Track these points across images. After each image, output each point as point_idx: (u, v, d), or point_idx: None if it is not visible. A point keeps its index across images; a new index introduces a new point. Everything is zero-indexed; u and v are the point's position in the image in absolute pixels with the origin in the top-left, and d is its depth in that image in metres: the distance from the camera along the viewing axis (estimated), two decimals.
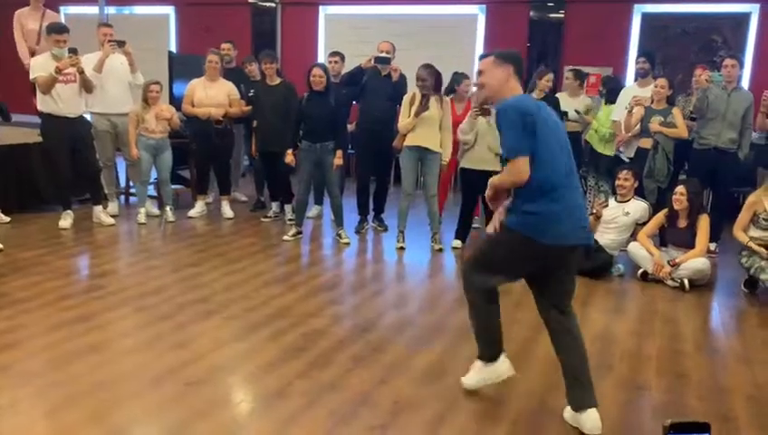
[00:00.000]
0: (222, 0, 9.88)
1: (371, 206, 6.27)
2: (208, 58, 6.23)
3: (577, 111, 6.15)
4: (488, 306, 3.00)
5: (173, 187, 6.58)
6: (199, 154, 6.45)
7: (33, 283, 4.32)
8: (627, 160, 5.83)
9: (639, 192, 5.42)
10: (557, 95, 6.28)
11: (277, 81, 6.10)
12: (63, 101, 5.53)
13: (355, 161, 6.48)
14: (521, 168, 2.65)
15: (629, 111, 5.73)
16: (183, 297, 4.19)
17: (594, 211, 5.28)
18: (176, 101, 6.93)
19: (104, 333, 3.60)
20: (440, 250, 5.59)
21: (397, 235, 5.69)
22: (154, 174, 6.34)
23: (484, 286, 2.94)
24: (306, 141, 5.58)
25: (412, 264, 5.35)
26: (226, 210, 6.47)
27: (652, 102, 5.71)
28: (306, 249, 5.63)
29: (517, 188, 2.73)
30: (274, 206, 6.52)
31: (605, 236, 5.20)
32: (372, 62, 5.86)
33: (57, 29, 5.55)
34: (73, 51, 5.43)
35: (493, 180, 2.86)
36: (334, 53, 6.49)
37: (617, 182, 5.33)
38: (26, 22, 6.75)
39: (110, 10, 7.80)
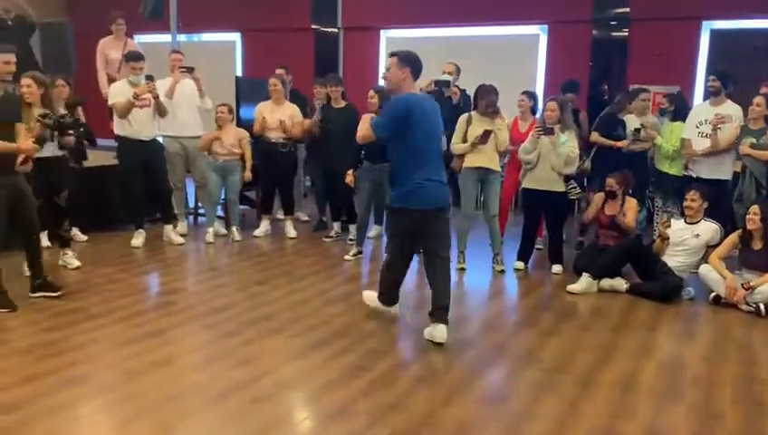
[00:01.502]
0: (285, 26, 10.17)
1: None
2: (270, 81, 6.41)
3: (643, 125, 6.00)
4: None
5: (240, 207, 6.76)
6: (265, 175, 6.62)
7: (108, 299, 4.50)
8: (696, 179, 5.64)
9: (727, 215, 5.21)
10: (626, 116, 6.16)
11: (342, 103, 6.22)
12: (138, 125, 5.80)
13: None
14: (370, 136, 3.89)
15: (714, 129, 5.53)
16: (249, 315, 4.29)
17: (659, 232, 5.14)
18: (242, 124, 7.16)
19: (174, 349, 3.71)
20: (502, 272, 5.54)
21: (457, 255, 5.66)
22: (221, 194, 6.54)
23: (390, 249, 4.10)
24: (367, 162, 5.66)
25: (473, 285, 5.32)
26: (290, 230, 6.60)
27: (747, 122, 5.51)
28: (366, 269, 5.68)
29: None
30: (336, 226, 6.61)
31: (674, 259, 5.04)
32: (433, 85, 5.90)
33: (134, 57, 5.85)
34: (150, 78, 5.71)
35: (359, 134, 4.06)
36: None
37: (685, 203, 5.17)
38: (109, 51, 7.11)
39: (181, 37, 8.14)
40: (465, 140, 5.41)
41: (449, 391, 3.27)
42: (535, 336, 4.10)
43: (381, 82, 8.85)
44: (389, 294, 4.23)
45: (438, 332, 3.82)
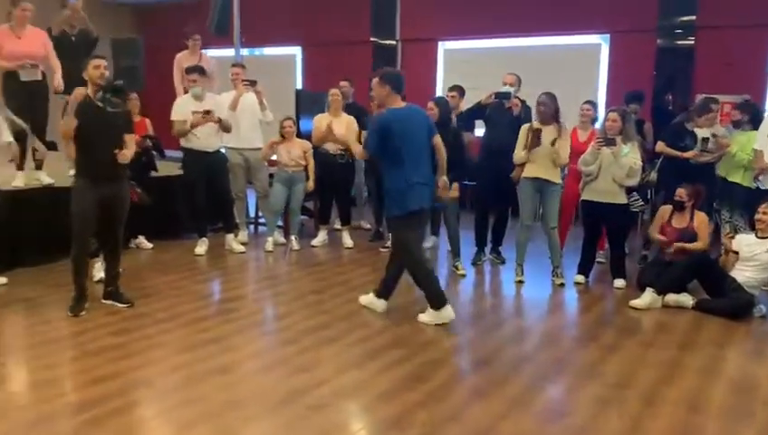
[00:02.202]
0: (344, 40, 10.32)
1: (489, 237, 6.22)
2: (332, 92, 6.51)
3: (713, 135, 5.79)
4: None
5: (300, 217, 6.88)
6: (323, 186, 6.71)
7: (172, 305, 4.64)
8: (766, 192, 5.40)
9: None
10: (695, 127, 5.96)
11: None
12: (203, 137, 5.98)
13: (475, 192, 6.47)
14: (364, 153, 4.44)
15: None
16: (306, 323, 4.35)
17: (725, 246, 4.94)
18: (302, 136, 7.29)
19: (234, 355, 3.79)
20: (562, 285, 5.43)
21: (515, 268, 5.60)
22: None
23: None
24: None
25: (531, 298, 5.24)
26: (347, 240, 6.66)
27: None
28: None
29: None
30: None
31: (744, 274, 4.84)
32: (493, 97, 5.86)
33: (189, 69, 6.11)
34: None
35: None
36: (453, 88, 6.56)
37: (756, 216, 4.96)
38: (185, 65, 7.34)
39: (244, 51, 8.37)
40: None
41: (507, 405, 3.22)
42: (596, 352, 4.00)
43: (439, 94, 8.93)
44: (390, 287, 4.60)
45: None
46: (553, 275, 5.52)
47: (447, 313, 4.32)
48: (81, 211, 4.27)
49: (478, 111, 6.02)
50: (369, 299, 4.68)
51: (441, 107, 5.54)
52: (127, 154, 4.32)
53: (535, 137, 5.24)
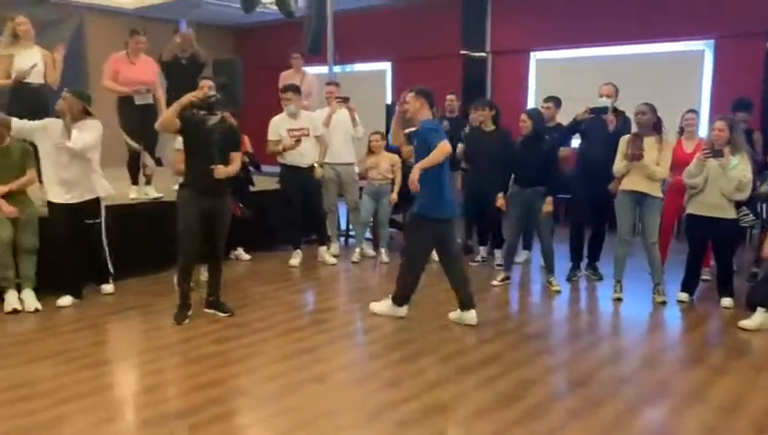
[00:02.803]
0: (434, 53, 10.35)
1: (585, 252, 6.03)
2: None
3: None
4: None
5: (389, 229, 6.94)
6: (412, 199, 6.72)
7: (268, 314, 4.79)
8: None
9: None
10: None
11: (492, 127, 6.21)
12: (300, 154, 6.15)
13: (570, 206, 6.29)
14: (447, 148, 4.40)
15: None
16: (396, 337, 4.37)
17: None
18: (390, 150, 7.35)
19: (327, 366, 3.86)
20: (663, 303, 5.18)
21: (613, 284, 5.39)
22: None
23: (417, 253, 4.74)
24: (516, 186, 5.58)
25: (631, 316, 5.02)
26: (436, 254, 6.64)
27: None
28: (515, 295, 5.57)
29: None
30: (482, 250, 6.55)
31: None
32: (588, 113, 5.66)
33: (283, 88, 6.33)
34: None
35: (423, 163, 4.38)
36: (548, 99, 6.43)
37: None
38: (288, 82, 7.60)
39: (336, 69, 8.57)
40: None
41: (605, 428, 3.10)
42: (702, 374, 3.78)
43: (531, 105, 8.80)
44: (408, 294, 4.73)
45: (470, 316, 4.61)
46: (654, 293, 5.27)
47: (402, 311, 4.71)
48: (186, 222, 4.50)
49: (575, 128, 5.85)
50: (457, 315, 4.67)
51: (534, 119, 5.45)
52: (223, 170, 4.49)
53: (637, 148, 5.04)
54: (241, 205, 5.58)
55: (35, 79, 5.37)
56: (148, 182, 6.16)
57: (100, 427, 3.07)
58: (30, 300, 4.74)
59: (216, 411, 3.23)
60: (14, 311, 4.66)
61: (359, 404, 3.34)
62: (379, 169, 6.48)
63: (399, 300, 4.72)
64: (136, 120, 5.80)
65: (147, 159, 6.08)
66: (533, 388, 3.55)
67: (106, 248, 5.20)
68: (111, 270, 5.28)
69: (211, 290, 4.80)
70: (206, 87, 4.56)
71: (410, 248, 4.83)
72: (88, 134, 4.57)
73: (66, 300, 4.87)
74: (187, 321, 4.56)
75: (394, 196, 6.51)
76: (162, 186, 6.16)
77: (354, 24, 10.27)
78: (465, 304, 4.64)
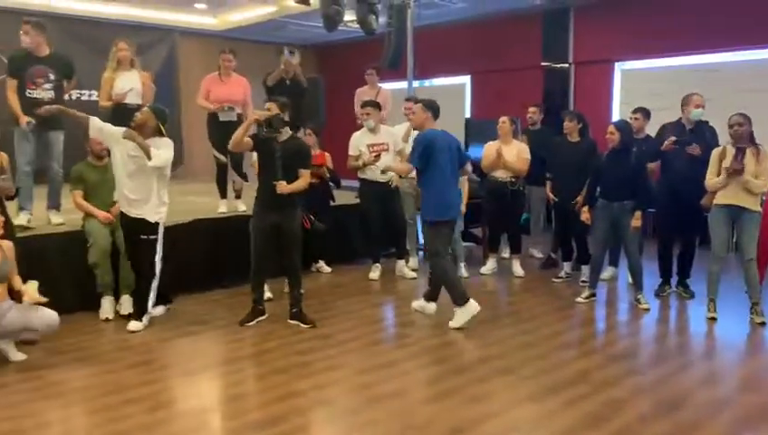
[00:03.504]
0: (513, 66, 10.24)
1: (674, 269, 5.77)
2: (500, 120, 6.48)
3: None
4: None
5: (465, 244, 6.89)
6: (491, 213, 6.66)
7: (350, 327, 4.85)
8: None
9: None
10: None
11: (577, 138, 6.07)
12: (379, 168, 6.20)
13: (658, 219, 6.03)
14: (411, 170, 5.05)
15: None
16: (477, 353, 4.32)
17: None
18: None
19: (408, 380, 3.87)
20: (762, 324, 4.88)
21: (706, 303, 5.13)
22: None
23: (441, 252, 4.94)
24: (602, 200, 5.41)
25: (726, 337, 4.76)
26: (517, 269, 6.53)
27: None
28: (601, 313, 5.39)
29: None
30: (566, 266, 6.39)
31: None
32: (673, 144, 5.40)
33: (363, 104, 6.42)
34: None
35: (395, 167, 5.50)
36: (637, 110, 6.21)
37: None
38: (364, 98, 7.69)
39: (415, 84, 8.62)
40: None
41: None
42: None
43: (616, 117, 8.54)
44: (462, 292, 4.86)
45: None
46: (752, 313, 4.98)
47: (472, 307, 4.80)
48: (255, 233, 4.79)
49: (658, 154, 5.61)
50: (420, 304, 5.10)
51: (623, 131, 5.30)
52: (285, 186, 4.63)
53: (739, 163, 4.79)
54: (311, 217, 5.64)
55: (133, 100, 5.68)
56: (237, 196, 6.38)
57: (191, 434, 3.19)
58: (127, 305, 4.97)
59: (299, 422, 3.29)
60: (107, 320, 4.90)
61: (439, 419, 3.32)
62: None
63: (459, 301, 4.81)
64: (221, 136, 6.03)
65: (234, 174, 6.32)
66: (623, 409, 3.43)
67: (157, 273, 4.70)
68: (151, 301, 4.74)
69: (293, 302, 4.91)
70: (271, 107, 4.73)
71: (432, 250, 5.02)
72: (164, 151, 4.65)
73: (135, 325, 4.71)
74: (252, 323, 4.79)
75: (462, 208, 6.45)
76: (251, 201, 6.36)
77: (433, 39, 10.30)
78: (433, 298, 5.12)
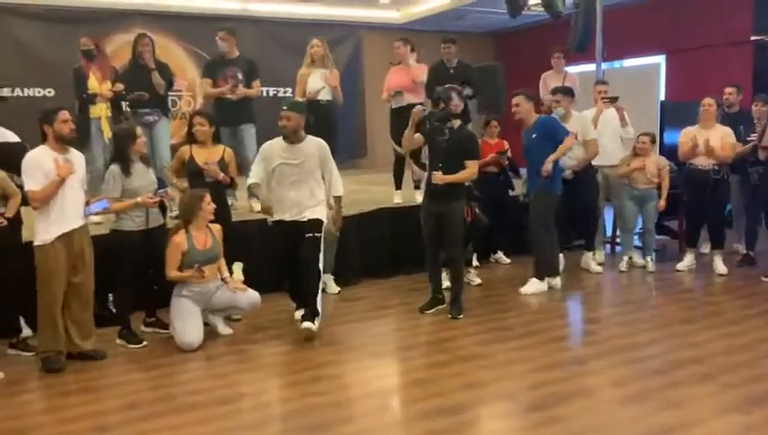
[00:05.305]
0: (716, 42, 9.27)
1: None
2: (704, 102, 5.91)
3: None
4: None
5: (658, 237, 6.41)
6: (690, 205, 6.13)
7: (531, 320, 4.74)
8: None
9: None
10: None
11: None
12: (569, 157, 5.91)
13: None
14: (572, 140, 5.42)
15: None
16: (675, 354, 4.00)
17: None
18: (664, 151, 6.78)
19: (595, 379, 3.69)
20: None
21: None
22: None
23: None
24: None
25: None
26: (719, 266, 5.94)
27: None
28: None
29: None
30: None
31: None
32: None
33: (554, 90, 6.13)
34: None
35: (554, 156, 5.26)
36: None
37: None
38: (550, 83, 7.48)
39: (604, 66, 8.15)
40: None
41: None
42: None
43: None
44: (554, 265, 5.44)
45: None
46: None
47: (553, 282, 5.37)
48: (423, 223, 4.89)
49: None
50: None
51: None
52: (439, 177, 4.62)
53: None
54: (477, 210, 5.25)
55: (324, 96, 6.01)
56: (416, 187, 6.50)
57: (377, 414, 3.32)
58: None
59: (484, 412, 3.30)
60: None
61: (631, 423, 3.13)
62: (645, 174, 6.00)
63: (541, 274, 5.32)
64: (398, 127, 6.12)
65: (412, 165, 6.42)
66: None
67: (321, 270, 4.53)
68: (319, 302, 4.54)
69: (452, 294, 4.91)
70: (416, 112, 4.88)
71: (537, 220, 5.32)
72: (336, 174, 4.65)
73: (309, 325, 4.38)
74: (430, 311, 4.88)
75: (662, 202, 6.01)
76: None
77: (623, 18, 9.65)
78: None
